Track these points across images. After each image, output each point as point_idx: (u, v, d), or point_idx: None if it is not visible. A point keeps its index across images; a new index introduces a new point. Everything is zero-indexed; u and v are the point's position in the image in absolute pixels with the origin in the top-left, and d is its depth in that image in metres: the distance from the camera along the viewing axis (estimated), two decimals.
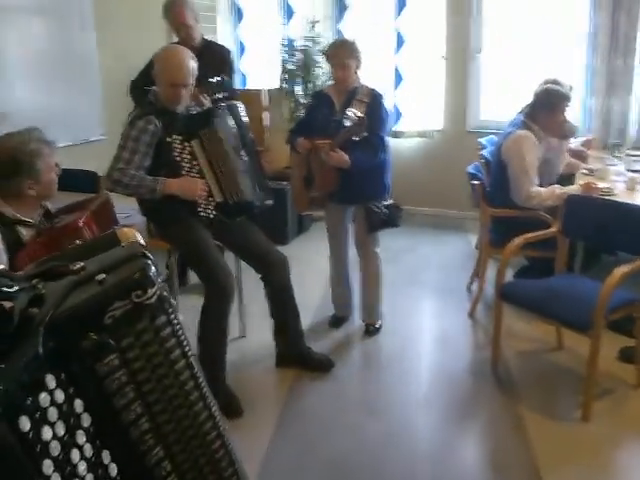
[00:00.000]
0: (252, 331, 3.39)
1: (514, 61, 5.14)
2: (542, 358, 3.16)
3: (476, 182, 3.54)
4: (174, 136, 2.56)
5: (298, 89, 5.27)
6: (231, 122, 2.67)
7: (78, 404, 0.85)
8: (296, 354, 3.05)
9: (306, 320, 3.49)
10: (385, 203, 3.23)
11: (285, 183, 4.54)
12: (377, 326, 3.46)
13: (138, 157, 2.53)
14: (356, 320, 3.54)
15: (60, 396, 0.82)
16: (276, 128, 4.97)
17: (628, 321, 2.85)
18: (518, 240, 2.95)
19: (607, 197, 3.24)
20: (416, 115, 5.45)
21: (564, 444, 2.46)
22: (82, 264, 0.96)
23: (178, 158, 2.59)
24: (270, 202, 2.85)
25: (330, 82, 3.55)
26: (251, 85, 5.89)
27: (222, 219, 2.71)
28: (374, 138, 3.05)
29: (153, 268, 0.93)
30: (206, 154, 2.63)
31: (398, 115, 5.48)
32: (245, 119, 2.76)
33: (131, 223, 2.94)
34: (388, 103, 5.34)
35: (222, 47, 3.78)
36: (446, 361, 3.18)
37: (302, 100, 5.12)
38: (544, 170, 3.44)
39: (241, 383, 2.91)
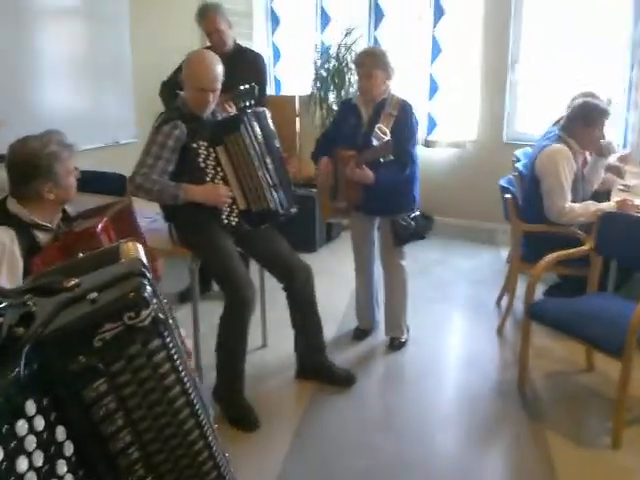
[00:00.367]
0: (273, 341, 3.34)
1: (552, 72, 5.00)
2: (571, 380, 3.04)
3: (508, 196, 3.44)
4: (199, 142, 2.55)
5: (331, 96, 5.23)
6: (257, 129, 2.64)
7: (60, 431, 0.81)
8: (317, 367, 2.99)
9: (330, 331, 3.45)
10: (412, 215, 3.16)
11: (314, 190, 4.49)
12: (402, 340, 3.37)
13: (162, 162, 2.52)
14: (381, 333, 3.46)
15: (40, 423, 0.78)
16: (307, 134, 4.94)
17: None
18: (550, 257, 2.85)
19: None
20: (450, 125, 5.35)
21: (591, 472, 2.35)
22: (77, 280, 0.93)
23: (203, 164, 2.57)
24: (295, 210, 2.81)
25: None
26: (285, 91, 5.87)
27: (245, 227, 2.68)
28: (402, 154, 2.98)
29: (149, 288, 0.89)
30: (231, 161, 2.60)
31: (432, 124, 5.39)
32: (271, 126, 2.73)
33: (156, 228, 2.93)
34: (422, 112, 5.31)
35: (254, 53, 3.77)
36: (471, 379, 3.08)
37: (334, 107, 5.07)
38: (579, 186, 3.32)
39: (259, 394, 2.87)
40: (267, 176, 2.66)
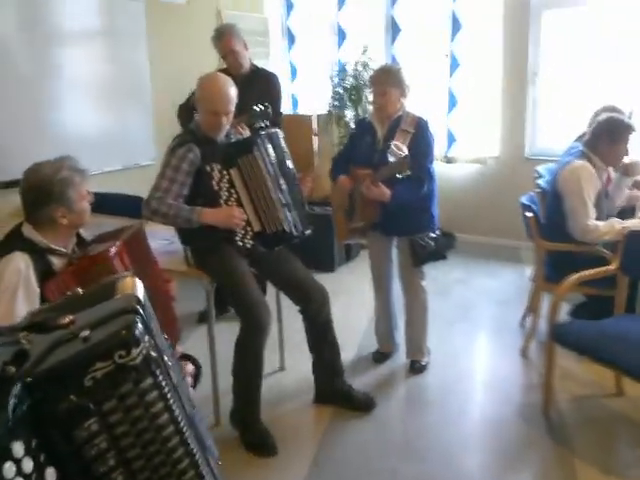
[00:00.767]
0: (291, 364, 3.31)
1: (574, 85, 4.93)
2: (599, 404, 2.94)
3: (530, 214, 3.36)
4: (213, 164, 2.53)
5: (348, 113, 5.23)
6: (270, 150, 2.62)
7: (50, 473, 0.79)
8: (335, 391, 2.94)
9: (349, 353, 3.40)
10: (432, 235, 3.10)
11: (331, 209, 4.47)
12: (423, 363, 3.30)
13: (176, 186, 2.52)
14: (401, 356, 3.40)
15: (29, 465, 0.75)
16: (325, 152, 4.94)
17: None
18: (573, 278, 2.76)
19: None
20: (470, 140, 5.30)
21: None
22: (72, 317, 0.91)
23: (216, 187, 2.55)
24: (309, 231, 2.77)
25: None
26: (302, 109, 5.89)
27: (260, 248, 2.66)
28: (419, 171, 2.94)
29: (141, 326, 0.86)
30: (244, 183, 2.58)
31: (451, 140, 5.35)
32: (285, 147, 2.71)
33: (172, 250, 2.93)
34: (441, 127, 5.27)
35: (269, 73, 3.77)
36: (494, 402, 3.00)
37: (352, 125, 5.06)
38: (603, 203, 3.23)
39: (277, 418, 2.84)
40: (281, 197, 2.63)
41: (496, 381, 3.19)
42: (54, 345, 0.85)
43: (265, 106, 2.98)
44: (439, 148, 5.35)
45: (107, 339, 0.84)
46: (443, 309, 4.01)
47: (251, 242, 2.62)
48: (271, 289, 3.14)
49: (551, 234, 3.29)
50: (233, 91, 2.56)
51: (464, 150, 5.32)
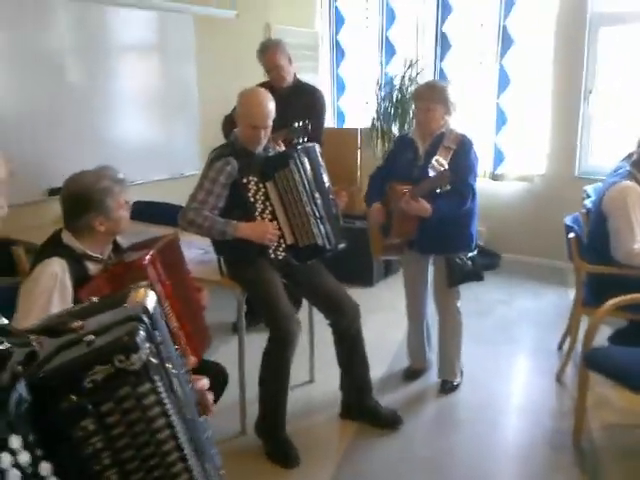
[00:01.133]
0: (321, 377, 3.32)
1: (630, 103, 4.80)
2: (634, 433, 2.85)
3: (572, 235, 3.29)
4: (250, 177, 2.59)
5: (394, 128, 5.24)
6: (307, 165, 2.66)
7: (45, 467, 0.83)
8: (362, 407, 2.94)
9: (380, 369, 3.40)
10: (470, 255, 3.07)
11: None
12: (455, 383, 3.27)
13: (213, 198, 2.59)
14: (433, 375, 3.37)
15: (25, 458, 0.80)
16: (368, 167, 4.94)
17: None
18: (611, 302, 2.69)
19: None
20: (518, 158, 5.23)
21: None
22: (82, 323, 0.96)
23: (252, 199, 2.61)
24: (342, 246, 2.80)
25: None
26: (349, 123, 5.93)
27: (292, 261, 2.70)
28: (461, 186, 2.92)
29: (142, 333, 0.91)
30: (279, 196, 2.63)
31: (499, 158, 5.29)
32: (321, 161, 2.75)
33: (207, 260, 3.00)
34: (489, 145, 5.22)
35: (313, 88, 3.82)
36: (525, 427, 2.95)
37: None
38: None
39: (302, 430, 2.86)
40: (315, 212, 2.67)
41: (528, 404, 3.13)
42: (60, 348, 0.90)
43: (305, 123, 3.03)
44: (486, 165, 5.31)
45: (109, 344, 0.89)
46: (482, 329, 3.97)
47: (283, 254, 2.66)
48: (306, 302, 3.17)
49: (592, 256, 3.21)
50: (272, 106, 2.62)
51: (511, 167, 5.25)
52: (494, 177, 5.30)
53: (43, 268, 1.95)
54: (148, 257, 2.10)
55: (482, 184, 5.27)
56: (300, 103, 3.55)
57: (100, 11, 4.01)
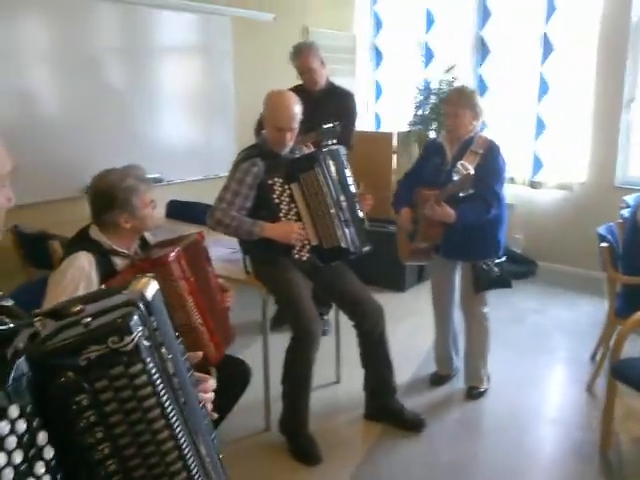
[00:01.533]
0: (347, 377, 3.34)
1: None
2: None
3: (604, 245, 3.22)
4: (275, 178, 2.63)
5: (431, 133, 5.22)
6: (332, 167, 2.68)
7: (42, 436, 0.88)
8: (385, 409, 2.95)
9: (406, 373, 3.40)
10: (497, 261, 3.05)
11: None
12: (481, 390, 3.24)
13: (240, 199, 2.64)
14: (460, 380, 3.35)
15: (22, 426, 0.85)
16: (403, 171, 4.94)
17: None
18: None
19: None
20: (557, 166, 5.14)
21: None
22: (82, 307, 1.01)
23: (277, 200, 2.65)
24: (367, 249, 2.80)
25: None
26: (385, 127, 5.93)
27: (316, 263, 2.72)
28: (487, 192, 2.90)
29: (136, 317, 0.95)
30: (304, 198, 2.66)
31: (538, 165, 5.21)
32: (347, 164, 2.76)
33: (236, 258, 3.05)
34: (528, 152, 5.15)
35: (346, 92, 3.82)
36: (551, 437, 2.90)
37: None
38: None
39: (326, 429, 2.89)
40: (340, 214, 2.68)
41: (556, 414, 3.08)
42: (60, 329, 0.96)
43: (334, 124, 3.06)
44: (525, 173, 5.24)
45: (104, 326, 0.94)
46: (515, 337, 3.92)
47: (307, 255, 2.69)
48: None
49: (626, 266, 3.14)
50: (298, 108, 2.66)
51: (550, 175, 5.17)
52: (532, 185, 5.22)
53: (71, 261, 2.03)
54: (173, 254, 2.16)
55: (520, 191, 5.25)
56: (332, 106, 3.58)
57: (142, 13, 4.16)
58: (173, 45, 4.43)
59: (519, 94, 5.22)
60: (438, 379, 3.37)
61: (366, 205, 2.83)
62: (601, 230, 3.45)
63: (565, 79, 4.98)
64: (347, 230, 2.72)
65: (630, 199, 3.87)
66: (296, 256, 2.68)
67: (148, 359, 0.96)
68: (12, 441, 0.83)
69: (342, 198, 2.71)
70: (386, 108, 6.04)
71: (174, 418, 0.99)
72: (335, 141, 2.98)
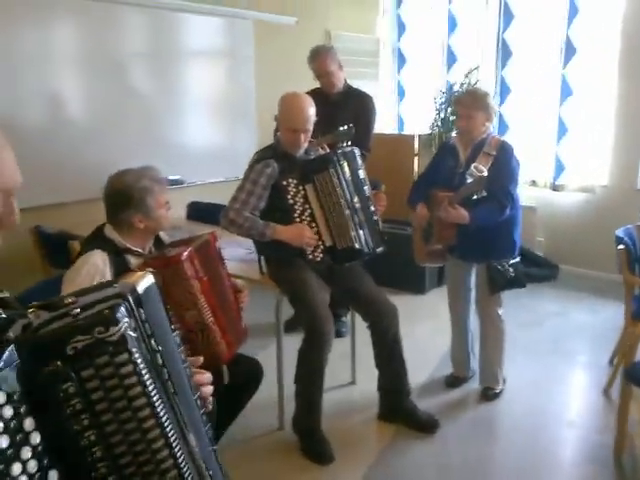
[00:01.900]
0: (362, 378, 3.35)
1: None
2: None
3: (621, 247, 3.18)
4: (289, 179, 2.66)
5: (453, 135, 5.20)
6: (346, 168, 2.70)
7: (28, 422, 0.93)
8: (398, 409, 2.95)
9: (423, 374, 3.40)
10: (512, 261, 3.03)
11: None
12: (496, 391, 3.22)
13: (254, 199, 2.68)
14: (476, 382, 3.34)
15: (9, 412, 0.90)
16: None
17: None
18: None
19: None
20: (579, 168, 5.08)
21: None
22: (75, 299, 1.06)
23: (291, 201, 2.68)
24: (381, 250, 2.82)
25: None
26: (408, 130, 5.93)
27: (330, 263, 2.75)
28: (500, 193, 2.89)
29: (123, 309, 0.99)
30: (318, 198, 2.69)
31: (560, 168, 5.15)
32: (361, 166, 2.77)
33: (252, 259, 3.09)
34: (550, 155, 5.10)
35: (364, 94, 3.83)
36: (566, 440, 2.87)
37: None
38: None
39: (339, 429, 2.90)
40: (353, 215, 2.71)
41: (572, 417, 3.05)
42: (51, 320, 1.00)
43: (349, 127, 3.08)
44: (547, 175, 5.19)
45: (91, 316, 0.98)
46: (533, 340, 3.89)
47: (321, 255, 2.72)
48: None
49: None
50: (312, 110, 2.69)
51: (572, 178, 5.11)
52: (554, 187, 5.16)
53: (85, 259, 2.09)
54: (186, 253, 2.19)
55: (542, 194, 5.19)
56: (350, 108, 3.60)
57: (167, 17, 4.25)
58: (196, 49, 4.51)
59: (541, 96, 5.17)
60: (454, 380, 3.37)
61: (380, 206, 2.84)
62: (619, 232, 3.41)
63: (587, 81, 4.92)
64: (361, 231, 2.73)
65: None
66: (310, 257, 2.70)
67: (134, 349, 0.99)
68: None
69: (356, 199, 2.72)
70: (409, 111, 6.04)
71: (160, 407, 1.03)
72: (350, 143, 3.01)
